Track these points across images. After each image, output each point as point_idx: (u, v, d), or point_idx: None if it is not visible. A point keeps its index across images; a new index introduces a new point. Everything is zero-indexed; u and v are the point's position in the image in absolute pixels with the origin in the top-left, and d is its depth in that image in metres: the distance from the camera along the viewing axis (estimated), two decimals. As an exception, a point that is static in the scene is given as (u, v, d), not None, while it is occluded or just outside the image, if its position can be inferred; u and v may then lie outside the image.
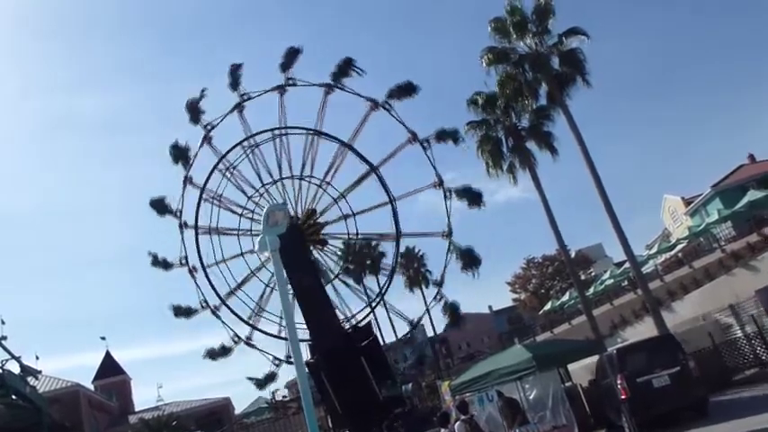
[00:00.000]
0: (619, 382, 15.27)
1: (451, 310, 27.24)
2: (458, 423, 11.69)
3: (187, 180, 26.47)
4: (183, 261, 26.19)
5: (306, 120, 27.80)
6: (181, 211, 26.48)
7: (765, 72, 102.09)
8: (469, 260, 26.50)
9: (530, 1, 28.22)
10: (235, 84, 27.12)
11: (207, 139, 26.81)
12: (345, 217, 27.23)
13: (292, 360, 26.18)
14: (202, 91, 27.29)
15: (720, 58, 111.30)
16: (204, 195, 26.16)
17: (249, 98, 27.18)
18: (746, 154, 53.79)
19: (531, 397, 17.21)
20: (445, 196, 26.99)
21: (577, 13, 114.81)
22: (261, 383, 27.11)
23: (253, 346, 26.24)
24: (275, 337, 25.83)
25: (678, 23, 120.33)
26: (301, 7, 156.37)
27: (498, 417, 17.00)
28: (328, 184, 27.09)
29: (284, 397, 51.53)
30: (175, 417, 41.27)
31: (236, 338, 26.15)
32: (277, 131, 26.96)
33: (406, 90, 27.23)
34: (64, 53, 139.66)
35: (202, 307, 26.11)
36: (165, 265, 26.63)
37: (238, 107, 27.03)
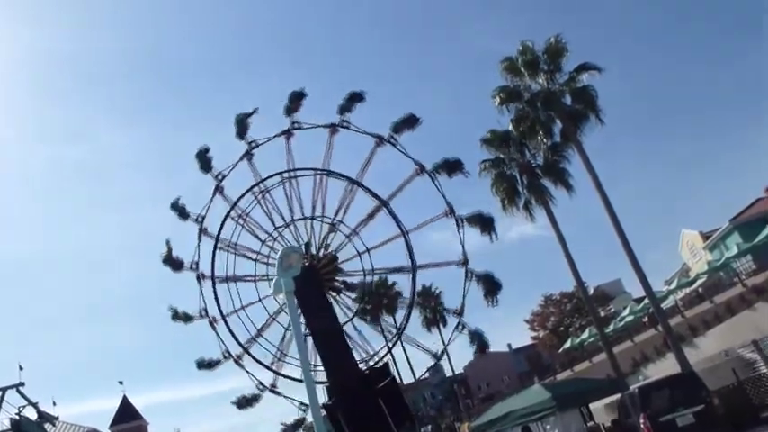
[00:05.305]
0: (642, 421, 15.04)
1: (478, 337, 26.75)
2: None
3: (202, 232, 26.62)
4: (204, 313, 26.35)
5: (314, 160, 28.10)
6: (197, 263, 26.71)
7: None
8: (490, 286, 26.12)
9: (541, 40, 28.58)
10: (242, 133, 27.50)
11: (219, 189, 27.10)
12: (360, 253, 27.27)
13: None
14: (205, 150, 27.88)
15: (733, 98, 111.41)
16: (219, 245, 26.37)
17: (257, 145, 27.51)
18: (763, 187, 53.37)
19: (552, 437, 16.94)
20: (457, 224, 26.95)
21: (588, 50, 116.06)
22: (290, 429, 27.11)
23: (278, 394, 26.08)
24: (299, 381, 25.67)
25: (690, 63, 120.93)
26: (294, 51, 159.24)
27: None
28: (340, 222, 27.23)
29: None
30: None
31: (260, 386, 26.09)
32: (286, 174, 27.31)
33: (409, 122, 27.24)
34: (55, 97, 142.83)
35: (225, 357, 26.13)
36: (186, 318, 26.81)
37: (247, 155, 27.41)
